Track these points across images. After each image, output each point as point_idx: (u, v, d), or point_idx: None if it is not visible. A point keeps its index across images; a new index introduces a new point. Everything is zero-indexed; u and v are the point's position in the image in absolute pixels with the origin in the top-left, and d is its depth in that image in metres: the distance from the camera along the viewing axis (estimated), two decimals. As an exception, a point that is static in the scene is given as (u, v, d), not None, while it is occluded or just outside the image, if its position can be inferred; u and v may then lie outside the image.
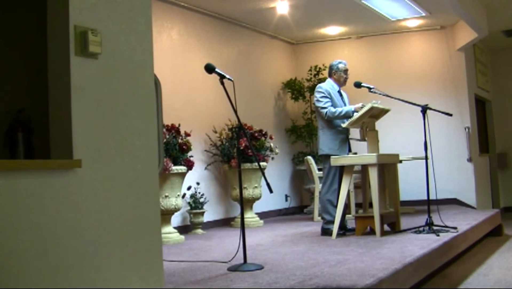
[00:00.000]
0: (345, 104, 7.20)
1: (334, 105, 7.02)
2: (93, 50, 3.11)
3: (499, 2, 9.73)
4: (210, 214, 8.72)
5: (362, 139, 6.96)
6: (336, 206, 6.86)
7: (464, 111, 10.77)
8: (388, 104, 7.24)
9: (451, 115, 7.51)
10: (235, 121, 7.73)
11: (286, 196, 11.01)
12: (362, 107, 6.74)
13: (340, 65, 7.25)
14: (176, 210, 7.29)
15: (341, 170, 6.90)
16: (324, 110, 6.96)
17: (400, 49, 11.21)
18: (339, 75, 7.23)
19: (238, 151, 5.87)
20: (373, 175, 6.56)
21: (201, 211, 8.22)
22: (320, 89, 7.11)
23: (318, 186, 8.85)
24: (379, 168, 6.65)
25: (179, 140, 7.44)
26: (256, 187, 8.70)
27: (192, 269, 5.12)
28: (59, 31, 3.07)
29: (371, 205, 6.71)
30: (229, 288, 4.27)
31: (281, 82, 11.19)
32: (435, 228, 6.71)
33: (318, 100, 7.05)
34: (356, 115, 6.75)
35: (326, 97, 7.01)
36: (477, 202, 10.69)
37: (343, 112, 6.92)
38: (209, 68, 5.21)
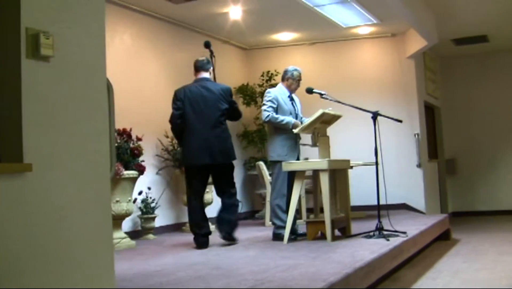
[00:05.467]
0: (295, 109, 7.24)
1: (282, 111, 7.07)
2: (45, 53, 3.07)
3: (448, 11, 9.92)
4: (161, 219, 8.67)
5: (314, 145, 6.99)
6: (285, 211, 6.90)
7: (414, 117, 10.95)
8: (339, 111, 7.29)
9: (401, 121, 7.63)
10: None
11: (238, 201, 10.98)
12: (301, 127, 6.79)
13: (295, 73, 7.28)
14: (127, 214, 7.23)
15: (291, 175, 6.94)
16: (266, 114, 7.02)
17: (352, 56, 11.33)
18: (291, 82, 7.27)
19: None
20: (324, 180, 6.60)
21: (152, 216, 8.17)
22: (268, 94, 7.18)
23: (269, 191, 8.86)
24: (330, 173, 6.70)
25: (131, 145, 7.39)
26: (207, 192, 8.67)
27: (144, 274, 5.09)
28: (10, 33, 3.02)
29: (322, 210, 6.75)
30: (181, 293, 4.26)
31: (233, 87, 11.18)
32: (385, 232, 6.78)
33: (263, 104, 7.12)
34: (307, 121, 6.80)
35: (271, 101, 7.06)
36: (426, 207, 10.87)
37: (283, 122, 6.98)
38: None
